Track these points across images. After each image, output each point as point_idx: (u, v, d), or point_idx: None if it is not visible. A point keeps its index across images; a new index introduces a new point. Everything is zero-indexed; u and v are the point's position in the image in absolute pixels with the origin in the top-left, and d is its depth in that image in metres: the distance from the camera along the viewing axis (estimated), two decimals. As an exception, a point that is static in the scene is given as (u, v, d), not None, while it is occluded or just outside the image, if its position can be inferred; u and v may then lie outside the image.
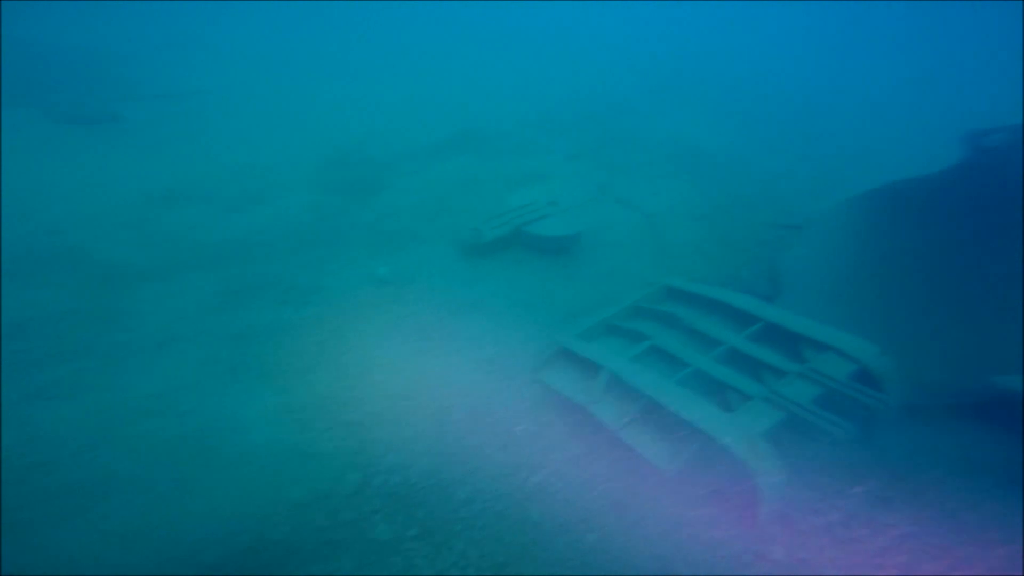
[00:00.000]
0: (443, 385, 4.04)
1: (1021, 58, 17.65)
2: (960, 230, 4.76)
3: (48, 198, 6.58)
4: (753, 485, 2.87)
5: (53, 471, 3.21)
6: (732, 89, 14.60)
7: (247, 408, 3.77)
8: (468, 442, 3.54)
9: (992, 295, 4.30)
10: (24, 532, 2.86)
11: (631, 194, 7.69)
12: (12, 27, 13.45)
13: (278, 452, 3.40)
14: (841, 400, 3.41)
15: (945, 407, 3.69)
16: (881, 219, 5.32)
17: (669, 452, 3.26)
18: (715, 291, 4.68)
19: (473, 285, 5.48)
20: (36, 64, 11.78)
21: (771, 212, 7.31)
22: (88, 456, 3.33)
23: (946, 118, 12.11)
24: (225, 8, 19.02)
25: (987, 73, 18.01)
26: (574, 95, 12.95)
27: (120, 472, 3.22)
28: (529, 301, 5.25)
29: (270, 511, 3.00)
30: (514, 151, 9.21)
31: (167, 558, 2.76)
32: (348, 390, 3.95)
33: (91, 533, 2.88)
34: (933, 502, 3.10)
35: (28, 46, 12.66)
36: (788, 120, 12.34)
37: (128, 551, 2.79)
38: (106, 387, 3.91)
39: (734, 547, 2.86)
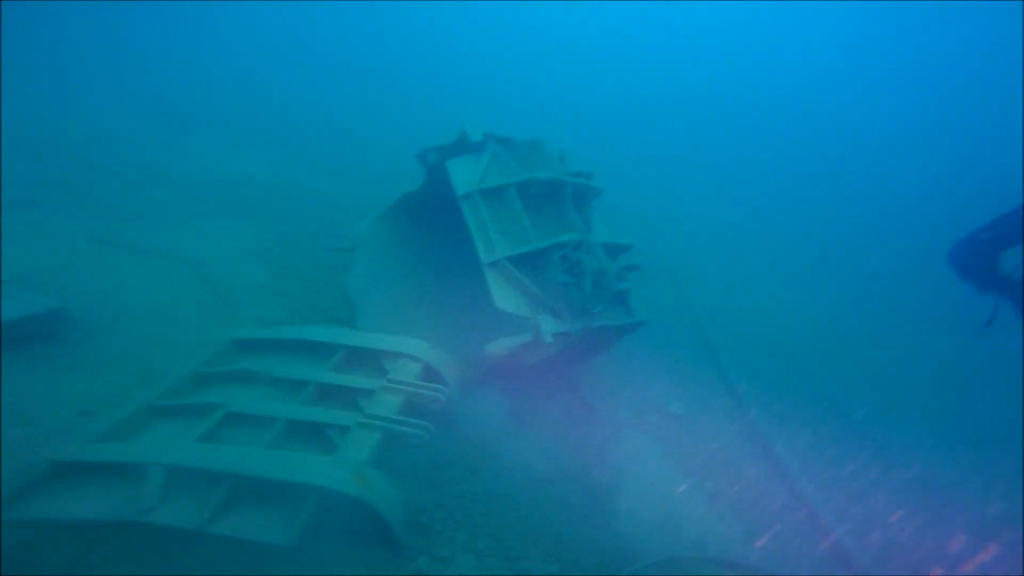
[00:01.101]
0: None
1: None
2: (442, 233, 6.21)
3: None
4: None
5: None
6: (277, 112, 14.03)
7: None
8: None
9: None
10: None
11: (160, 242, 6.44)
12: None
13: None
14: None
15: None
16: (400, 229, 6.41)
17: (282, 523, 3.01)
18: (287, 331, 4.57)
19: None
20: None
21: (329, 237, 7.60)
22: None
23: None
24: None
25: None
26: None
27: None
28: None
29: None
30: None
31: None
32: None
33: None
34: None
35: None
36: (340, 141, 12.74)
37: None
38: None
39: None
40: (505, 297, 4.46)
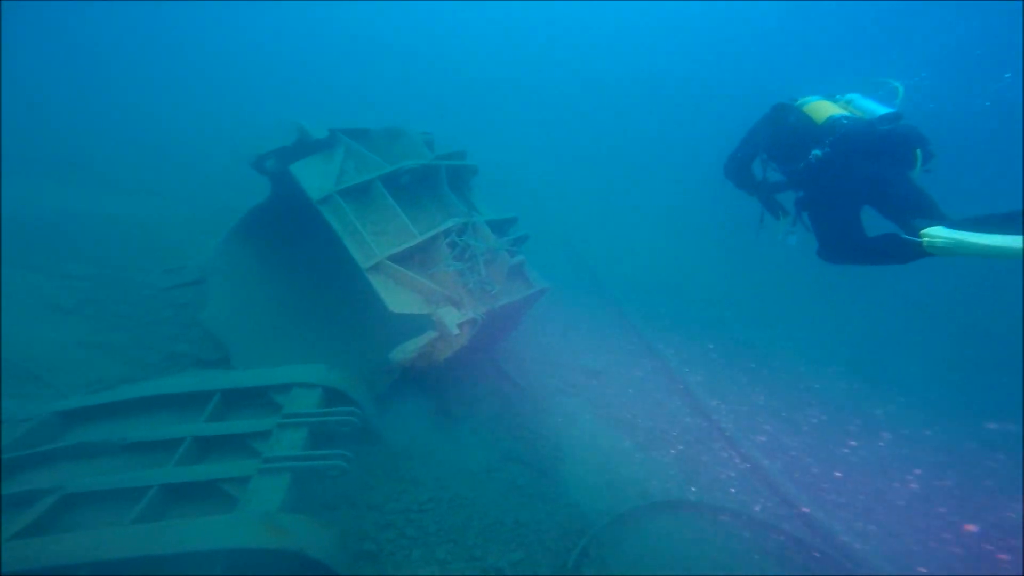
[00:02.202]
0: None
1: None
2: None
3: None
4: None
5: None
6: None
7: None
8: None
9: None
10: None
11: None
12: None
13: None
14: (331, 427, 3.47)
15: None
16: (254, 248, 5.52)
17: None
18: (133, 389, 3.74)
19: None
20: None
21: (163, 275, 6.34)
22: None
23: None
24: None
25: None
26: None
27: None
28: None
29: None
30: None
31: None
32: None
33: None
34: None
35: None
36: (168, 157, 10.39)
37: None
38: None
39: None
40: (397, 299, 4.07)
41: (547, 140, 16.64)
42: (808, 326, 8.16)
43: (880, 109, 3.58)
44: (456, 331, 3.93)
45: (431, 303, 4.14)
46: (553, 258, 8.21)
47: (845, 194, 3.46)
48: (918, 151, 3.36)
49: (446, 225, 4.42)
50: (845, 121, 3.46)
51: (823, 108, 3.69)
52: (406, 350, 4.04)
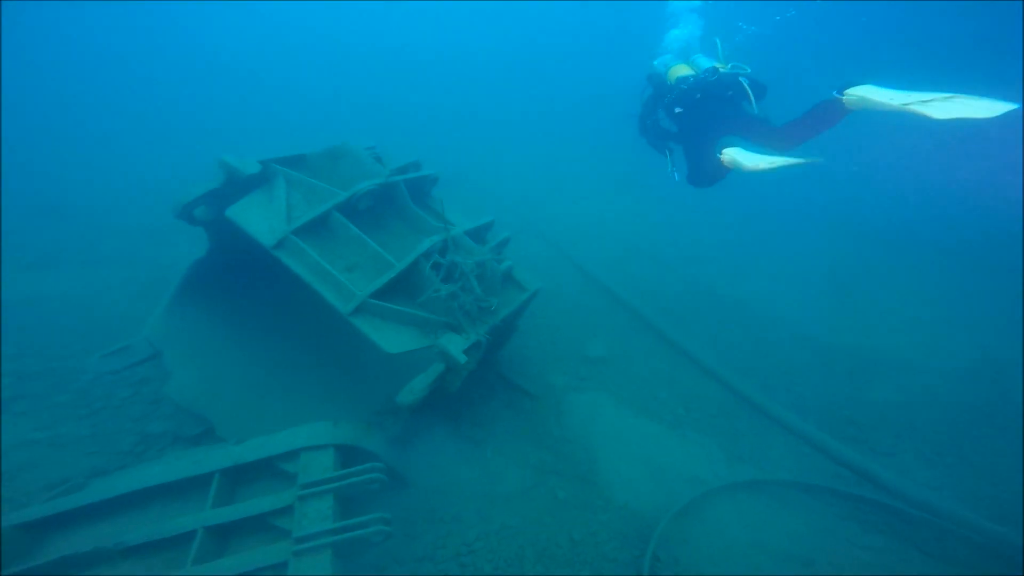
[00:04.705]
0: None
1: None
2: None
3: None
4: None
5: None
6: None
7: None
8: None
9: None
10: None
11: None
12: None
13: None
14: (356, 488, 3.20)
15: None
16: (207, 307, 4.90)
17: None
18: (113, 485, 3.29)
19: None
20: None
21: (103, 358, 5.48)
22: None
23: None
24: None
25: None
26: None
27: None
28: None
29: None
30: None
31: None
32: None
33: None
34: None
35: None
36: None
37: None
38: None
39: None
40: (391, 339, 3.70)
41: (488, 130, 16.36)
42: (787, 270, 8.36)
43: (708, 63, 4.55)
44: (464, 359, 3.67)
45: (428, 334, 3.86)
46: (527, 248, 8.01)
47: (701, 132, 4.37)
48: (748, 89, 4.25)
49: (425, 246, 4.11)
50: (690, 79, 4.47)
51: (676, 71, 4.66)
52: (414, 391, 3.73)
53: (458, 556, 3.05)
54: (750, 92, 4.28)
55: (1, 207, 8.17)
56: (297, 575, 2.62)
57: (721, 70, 4.43)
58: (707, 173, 4.40)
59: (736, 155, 4.05)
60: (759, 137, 4.03)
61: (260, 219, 3.92)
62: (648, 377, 5.06)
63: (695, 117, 4.43)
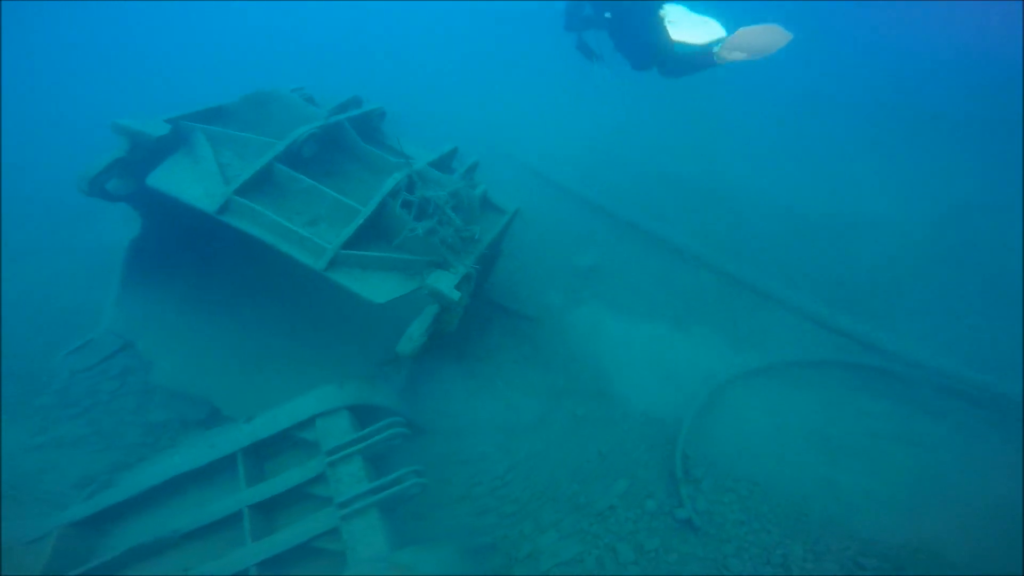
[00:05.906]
0: None
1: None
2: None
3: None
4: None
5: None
6: None
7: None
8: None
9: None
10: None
11: None
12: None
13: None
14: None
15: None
16: (162, 285, 4.58)
17: None
18: (146, 477, 3.25)
19: None
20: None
21: (69, 357, 5.13)
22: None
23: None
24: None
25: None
26: None
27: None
28: None
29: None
30: None
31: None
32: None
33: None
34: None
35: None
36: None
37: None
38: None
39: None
40: (375, 288, 3.46)
41: (437, 59, 14.96)
42: (756, 148, 8.23)
43: None
44: (456, 295, 3.53)
45: (414, 276, 3.66)
46: (497, 173, 7.64)
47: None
48: None
49: (389, 186, 3.76)
50: None
51: None
52: (413, 338, 3.57)
53: (494, 491, 3.12)
54: None
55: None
56: (352, 536, 2.68)
57: None
58: (653, 47, 4.27)
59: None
60: None
61: (191, 183, 3.50)
62: (641, 279, 5.04)
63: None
